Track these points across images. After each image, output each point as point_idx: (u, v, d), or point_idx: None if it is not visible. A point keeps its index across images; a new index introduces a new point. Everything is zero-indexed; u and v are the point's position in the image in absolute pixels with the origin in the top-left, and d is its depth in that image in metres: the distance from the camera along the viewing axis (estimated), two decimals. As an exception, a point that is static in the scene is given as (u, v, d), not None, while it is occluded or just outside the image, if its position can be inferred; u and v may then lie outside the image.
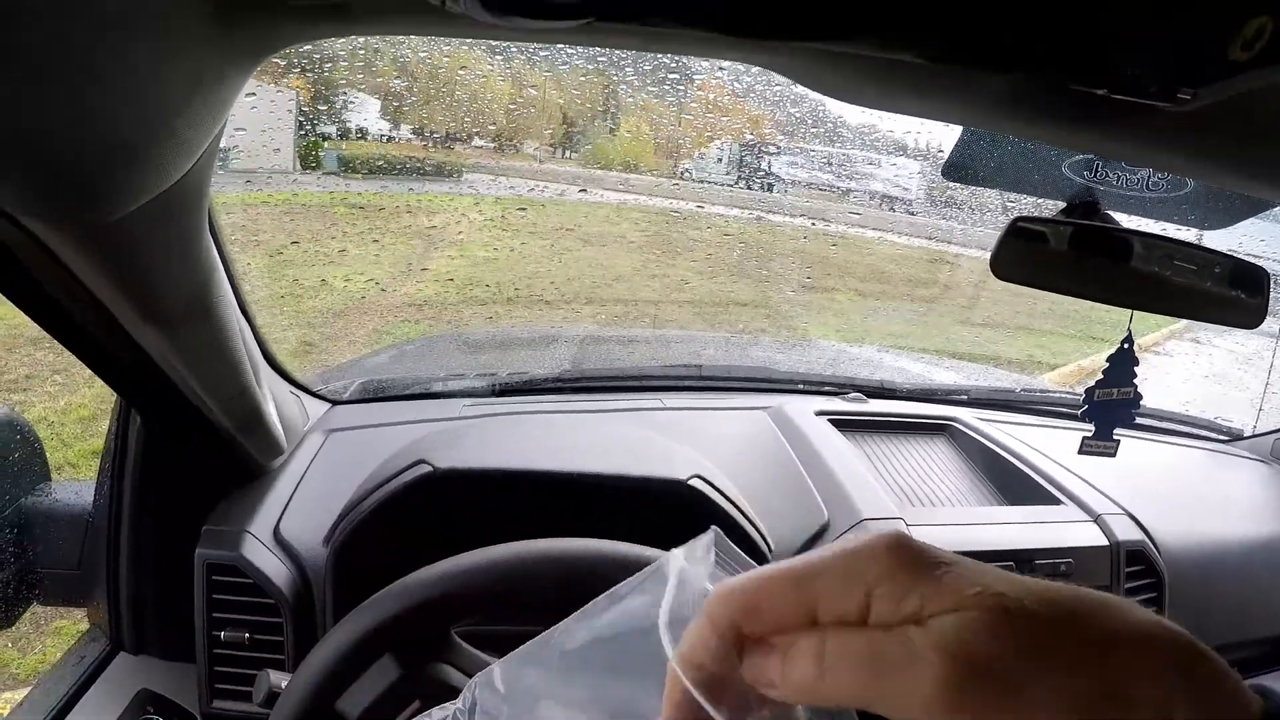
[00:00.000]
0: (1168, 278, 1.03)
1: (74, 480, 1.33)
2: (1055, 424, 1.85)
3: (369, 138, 4.70)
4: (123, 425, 1.22)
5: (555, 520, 1.04)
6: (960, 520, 1.38)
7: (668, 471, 1.22)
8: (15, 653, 2.61)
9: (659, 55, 2.60)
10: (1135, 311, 1.14)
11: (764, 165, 5.64)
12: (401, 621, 0.82)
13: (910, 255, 6.32)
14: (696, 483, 1.20)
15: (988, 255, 1.07)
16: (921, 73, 0.50)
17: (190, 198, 0.69)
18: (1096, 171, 1.02)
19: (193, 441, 1.20)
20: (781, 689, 0.32)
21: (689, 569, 0.38)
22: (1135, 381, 1.28)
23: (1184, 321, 5.42)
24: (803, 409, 1.66)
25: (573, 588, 0.88)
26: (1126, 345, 1.26)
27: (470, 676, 0.87)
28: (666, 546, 0.88)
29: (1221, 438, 2.04)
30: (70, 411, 3.68)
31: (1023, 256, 1.05)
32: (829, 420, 1.63)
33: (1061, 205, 1.04)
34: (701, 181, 5.88)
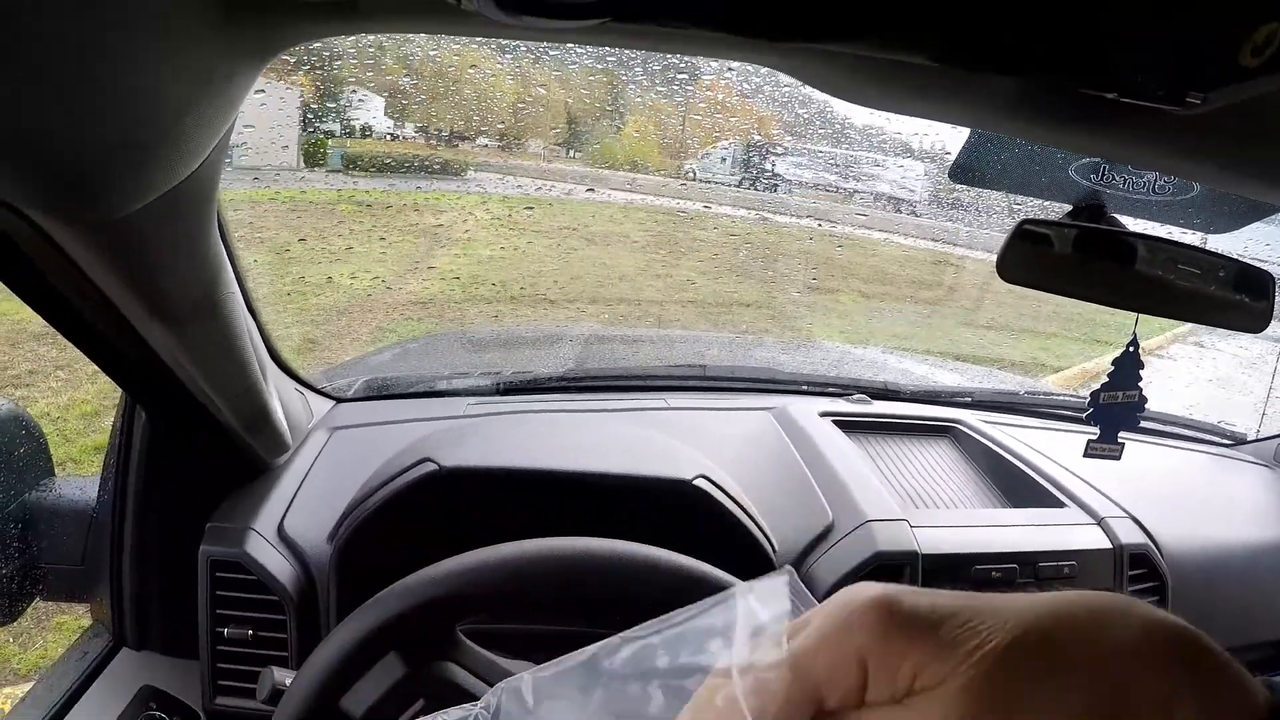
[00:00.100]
0: (1172, 281, 1.03)
1: (78, 476, 1.33)
2: (1059, 427, 1.84)
3: (377, 136, 4.70)
4: (127, 421, 1.22)
5: (560, 519, 1.04)
6: (964, 522, 1.38)
7: (672, 471, 1.22)
8: (17, 648, 2.61)
9: (667, 56, 2.60)
10: (1140, 315, 1.14)
11: (769, 166, 5.64)
12: (407, 620, 0.82)
13: (914, 257, 6.32)
14: (701, 483, 1.20)
15: (992, 257, 1.07)
16: (930, 74, 0.50)
17: (199, 195, 0.69)
18: (1103, 175, 1.02)
19: (197, 438, 1.20)
20: None
21: (759, 611, 0.37)
22: (1140, 385, 1.28)
23: (1188, 325, 5.41)
24: (807, 410, 1.66)
25: (578, 588, 0.88)
26: (1132, 349, 1.26)
27: (476, 675, 0.88)
28: (670, 546, 0.88)
29: (1225, 442, 2.04)
30: (73, 407, 3.69)
31: (1029, 259, 1.05)
32: (833, 421, 1.63)
33: (1068, 208, 1.04)
34: (707, 182, 5.88)
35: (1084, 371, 5.00)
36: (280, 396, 1.29)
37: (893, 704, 0.30)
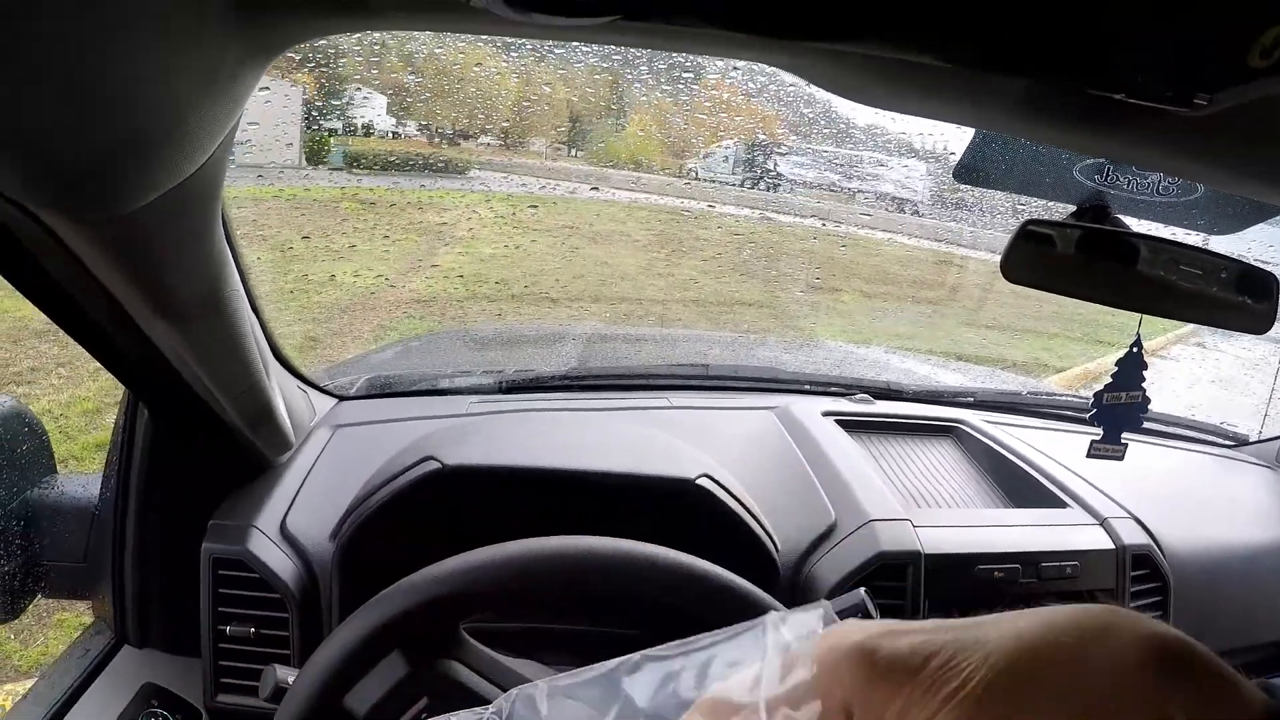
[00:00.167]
0: (1175, 282, 1.03)
1: (80, 473, 1.33)
2: (1061, 427, 1.84)
3: (380, 134, 4.71)
4: (130, 419, 1.22)
5: (563, 518, 1.04)
6: (967, 522, 1.38)
7: (676, 470, 1.22)
8: (18, 645, 2.62)
9: (673, 55, 2.60)
10: (1144, 316, 1.14)
11: (772, 166, 5.64)
12: (411, 618, 0.81)
13: (917, 257, 6.32)
14: (704, 482, 1.20)
15: (994, 257, 1.07)
16: (937, 75, 0.50)
17: (203, 192, 0.69)
18: (1107, 175, 1.02)
19: (200, 436, 1.20)
20: None
21: (792, 644, 0.36)
22: (1143, 385, 1.28)
23: (1190, 326, 5.42)
24: (809, 409, 1.66)
25: (582, 586, 0.88)
26: (1135, 349, 1.26)
27: (480, 674, 0.88)
28: (673, 545, 0.88)
29: (1227, 443, 2.03)
30: (74, 404, 3.69)
31: (1033, 259, 1.05)
32: (836, 421, 1.63)
33: (1072, 209, 1.04)
34: (710, 181, 5.88)
35: (1086, 372, 5.00)
36: (283, 394, 1.29)
37: None
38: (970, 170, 1.04)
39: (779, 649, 0.36)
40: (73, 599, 1.34)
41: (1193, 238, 1.10)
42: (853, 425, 1.64)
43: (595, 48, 2.38)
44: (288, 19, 0.58)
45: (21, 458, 1.21)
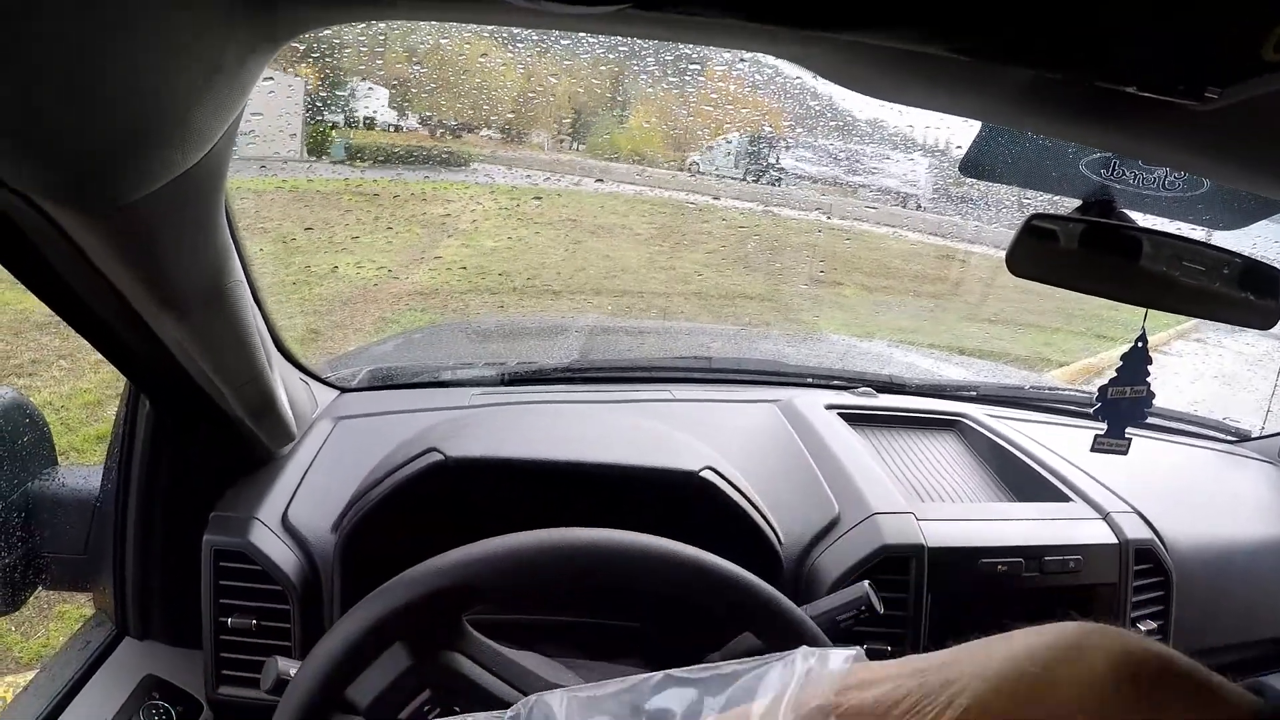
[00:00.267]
0: (1179, 278, 1.03)
1: (81, 465, 1.33)
2: (1064, 421, 1.84)
3: (384, 126, 4.70)
4: (131, 410, 1.22)
5: (566, 511, 1.04)
6: (970, 516, 1.37)
7: (679, 463, 1.22)
8: (19, 636, 2.62)
9: (678, 48, 2.59)
10: (1148, 310, 1.14)
11: (776, 159, 5.63)
12: (413, 610, 0.81)
13: (919, 251, 6.31)
14: (708, 474, 1.20)
15: (996, 252, 1.07)
16: (946, 67, 0.49)
17: (207, 182, 0.69)
18: (1113, 170, 1.02)
19: (201, 427, 1.20)
20: None
21: (816, 680, 0.36)
22: (1148, 380, 1.28)
23: (1192, 322, 5.42)
24: (812, 402, 1.65)
25: (586, 578, 0.88)
26: (1140, 344, 1.26)
27: (482, 666, 0.88)
28: (676, 537, 0.88)
29: (1229, 438, 2.03)
30: (75, 396, 3.69)
31: (1038, 254, 1.05)
32: (839, 414, 1.63)
33: (1078, 203, 1.04)
34: (711, 174, 5.87)
35: (1087, 367, 4.99)
36: (285, 386, 1.28)
37: None
38: (976, 164, 1.03)
39: (801, 686, 0.36)
40: (74, 591, 1.34)
41: (1197, 233, 1.10)
42: (856, 419, 1.64)
43: (600, 40, 2.37)
44: (293, 8, 0.58)
45: (22, 449, 1.21)
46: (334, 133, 4.39)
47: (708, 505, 1.20)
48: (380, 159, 4.59)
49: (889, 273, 6.21)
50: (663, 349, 2.68)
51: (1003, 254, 1.07)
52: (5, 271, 0.75)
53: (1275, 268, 1.04)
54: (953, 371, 2.65)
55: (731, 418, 1.61)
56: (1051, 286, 1.09)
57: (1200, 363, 5.90)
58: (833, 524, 1.31)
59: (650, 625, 1.24)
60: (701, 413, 1.61)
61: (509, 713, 0.41)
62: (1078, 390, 2.15)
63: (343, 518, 1.20)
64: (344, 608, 1.13)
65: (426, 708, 0.86)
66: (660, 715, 0.38)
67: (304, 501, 1.26)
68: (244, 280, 0.97)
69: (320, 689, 0.79)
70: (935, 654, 0.35)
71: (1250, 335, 5.39)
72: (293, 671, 0.83)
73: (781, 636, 0.89)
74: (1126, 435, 1.34)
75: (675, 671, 0.38)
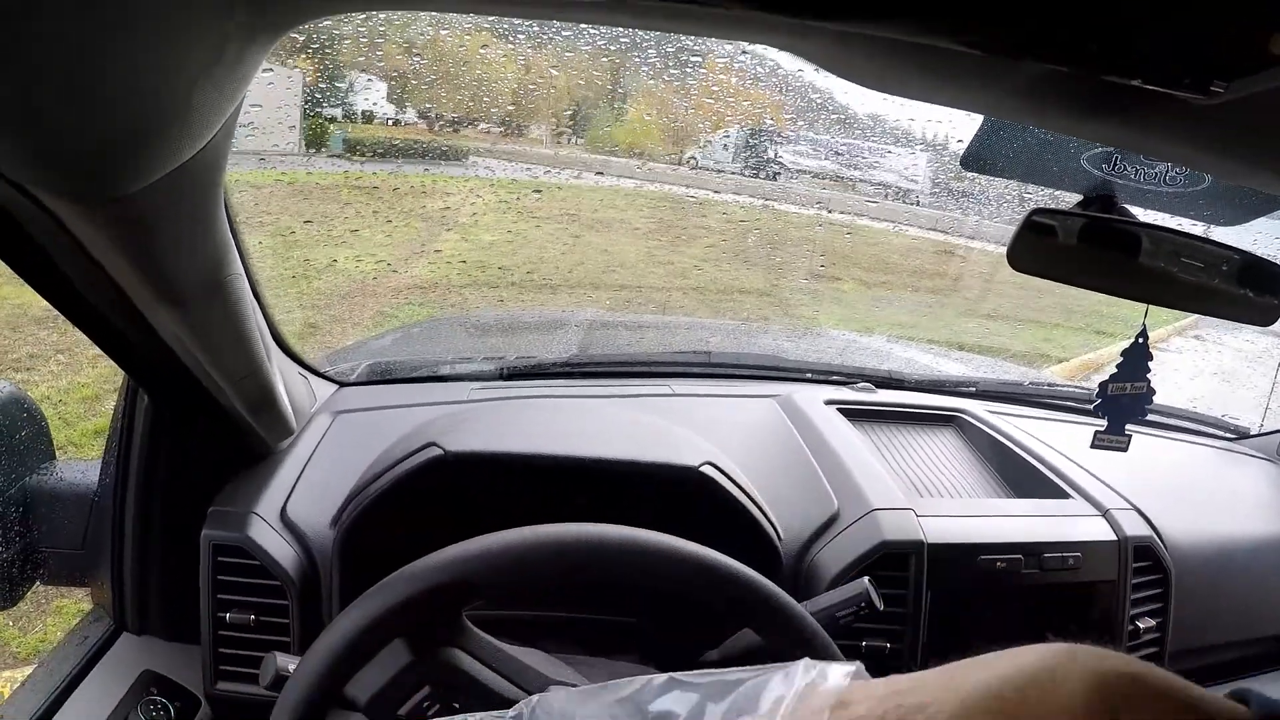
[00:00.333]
0: (1177, 274, 1.03)
1: (79, 460, 1.33)
2: (1063, 418, 1.84)
3: (384, 119, 4.70)
4: (130, 405, 1.22)
5: (566, 505, 1.04)
6: (969, 512, 1.37)
7: (679, 458, 1.22)
8: (16, 631, 2.62)
9: (675, 42, 2.59)
10: (1150, 306, 1.14)
11: (775, 154, 5.63)
12: (413, 606, 0.81)
13: (918, 246, 6.32)
14: (708, 470, 1.20)
15: (995, 248, 1.07)
16: (952, 60, 0.49)
17: (206, 175, 0.68)
18: (1114, 165, 1.02)
19: (200, 422, 1.19)
20: None
21: (817, 688, 0.36)
22: (1149, 377, 1.28)
23: (1191, 318, 5.43)
24: (812, 398, 1.65)
25: (586, 574, 0.88)
26: (1141, 340, 1.26)
27: (482, 662, 0.88)
28: (675, 532, 0.88)
29: (1228, 435, 2.04)
30: (73, 391, 3.69)
31: (1039, 249, 1.05)
32: (838, 409, 1.63)
33: (1079, 198, 1.04)
34: (710, 169, 5.87)
35: (1086, 363, 5.00)
36: (284, 380, 1.28)
37: None
38: (978, 158, 1.03)
39: (798, 696, 0.36)
40: (71, 586, 1.34)
41: (1196, 228, 1.10)
42: (855, 414, 1.64)
43: (598, 31, 2.36)
44: None
45: (21, 444, 1.21)
46: (333, 126, 4.38)
47: (707, 501, 1.20)
48: (379, 152, 4.59)
49: (888, 268, 6.21)
50: (662, 344, 2.67)
51: (1002, 250, 1.07)
52: (2, 266, 0.75)
53: (1275, 264, 1.04)
54: (952, 367, 2.65)
55: (731, 413, 1.61)
56: (1051, 282, 1.09)
57: (1199, 359, 5.91)
58: (832, 520, 1.31)
59: (650, 621, 1.24)
60: (701, 408, 1.61)
61: (511, 712, 0.41)
62: (1077, 386, 2.15)
63: (341, 513, 1.20)
64: (343, 603, 1.12)
65: (426, 704, 0.86)
66: (663, 718, 0.38)
67: (303, 496, 1.26)
68: (243, 274, 0.97)
69: (319, 685, 0.78)
70: (915, 675, 0.35)
71: (1250, 332, 5.40)
72: (291, 667, 0.82)
73: (781, 633, 0.88)
74: (1126, 432, 1.34)
75: (679, 675, 0.38)
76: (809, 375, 1.85)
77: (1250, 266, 1.03)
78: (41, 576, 1.26)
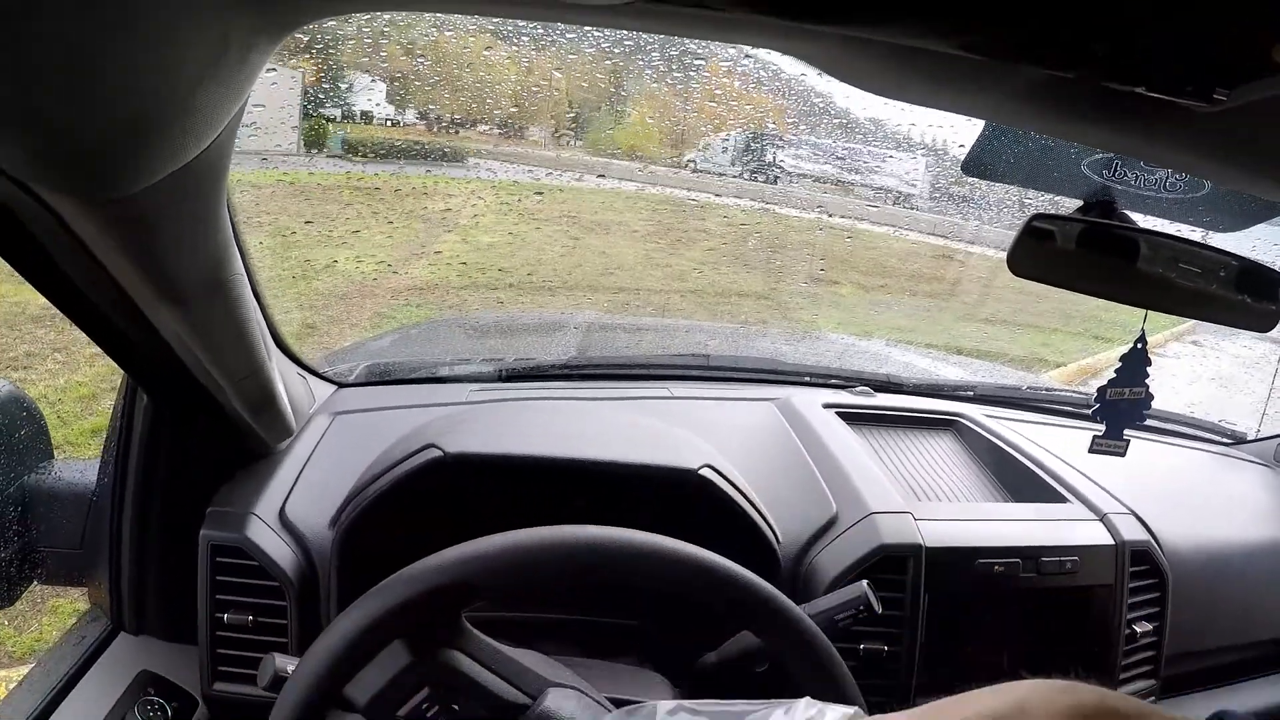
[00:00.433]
0: (1175, 279, 1.03)
1: (76, 459, 1.33)
2: (1061, 422, 1.84)
3: (386, 121, 4.70)
4: (129, 404, 1.22)
5: (565, 507, 1.04)
6: (967, 516, 1.37)
7: (678, 460, 1.22)
8: (11, 630, 2.62)
9: (677, 45, 2.59)
10: (1148, 312, 1.14)
11: (771, 157, 5.63)
12: (413, 607, 0.81)
13: (916, 251, 6.32)
14: (707, 472, 1.20)
15: (994, 252, 1.08)
16: (954, 65, 0.49)
17: (209, 174, 0.68)
18: (1114, 170, 1.02)
19: (199, 422, 1.19)
20: None
21: None
22: (1147, 382, 1.28)
23: (1189, 324, 5.44)
24: (810, 401, 1.65)
25: (585, 576, 0.88)
26: (1140, 345, 1.26)
27: (481, 664, 0.88)
28: (674, 535, 0.88)
29: (1225, 441, 2.04)
30: (70, 390, 3.69)
31: (1039, 254, 1.05)
32: (836, 413, 1.63)
33: (1079, 203, 1.04)
34: (709, 172, 5.87)
35: (1084, 368, 5.01)
36: (283, 380, 1.28)
37: None
38: (979, 163, 1.03)
39: None
40: (69, 585, 1.34)
41: (1195, 234, 1.10)
42: (853, 418, 1.64)
43: (601, 34, 2.36)
44: None
45: (19, 443, 1.21)
46: (335, 126, 4.38)
47: (706, 503, 1.20)
48: (382, 153, 4.59)
49: (887, 272, 6.22)
50: (660, 346, 2.67)
51: (1000, 255, 1.08)
52: (1, 264, 0.75)
53: (1273, 271, 1.04)
54: (950, 371, 2.65)
55: (729, 416, 1.61)
56: (1050, 287, 1.09)
57: (1197, 365, 5.91)
58: (830, 523, 1.31)
59: (649, 623, 1.24)
60: (700, 410, 1.61)
61: None
62: (1075, 391, 2.16)
63: (340, 513, 1.20)
64: (341, 604, 1.12)
65: (425, 705, 0.86)
66: None
67: (301, 497, 1.26)
68: (244, 274, 0.97)
69: (318, 686, 0.78)
70: (896, 715, 0.35)
71: (1247, 338, 5.40)
72: (290, 668, 0.82)
73: (781, 635, 0.89)
74: (1124, 436, 1.34)
75: (687, 703, 0.39)
76: (807, 378, 1.85)
77: (1248, 272, 1.03)
78: (39, 576, 1.26)
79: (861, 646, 1.19)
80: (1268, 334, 1.10)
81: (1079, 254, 1.05)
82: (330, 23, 2.02)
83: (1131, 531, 1.39)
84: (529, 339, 2.67)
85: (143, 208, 0.63)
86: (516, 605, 1.23)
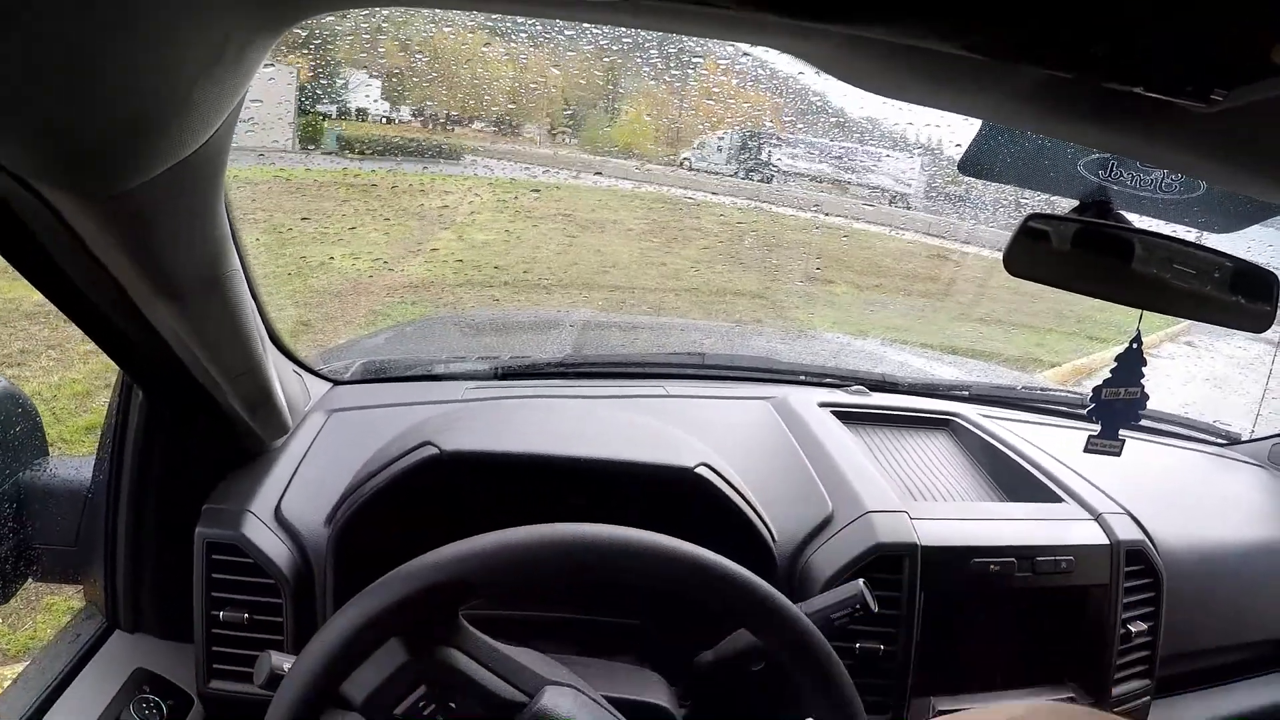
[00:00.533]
0: (1170, 280, 1.03)
1: (71, 456, 1.32)
2: (1055, 422, 1.85)
3: (383, 118, 4.69)
4: (124, 401, 1.21)
5: (561, 505, 1.04)
6: (963, 515, 1.38)
7: (674, 459, 1.22)
8: (5, 628, 2.61)
9: (673, 43, 2.59)
10: (1143, 312, 1.15)
11: (766, 156, 5.64)
12: (410, 605, 0.81)
13: (911, 250, 6.33)
14: (703, 471, 1.20)
15: (989, 252, 1.08)
16: (952, 64, 0.49)
17: (206, 170, 0.68)
18: (1111, 171, 1.02)
19: (195, 419, 1.19)
20: None
21: None
22: (1142, 382, 1.29)
23: (1183, 324, 5.46)
24: (806, 400, 1.65)
25: (583, 574, 0.88)
26: (1135, 345, 1.27)
27: (478, 662, 0.88)
28: (671, 533, 0.89)
29: (1220, 441, 2.04)
30: (64, 387, 3.68)
31: (1035, 254, 1.05)
32: (832, 412, 1.63)
33: (1076, 203, 1.04)
34: (704, 171, 5.87)
35: (1079, 368, 5.02)
36: (279, 377, 1.28)
37: None
38: (975, 163, 1.04)
39: None
40: (64, 583, 1.34)
41: (1190, 235, 1.11)
42: (849, 417, 1.64)
43: (599, 30, 2.36)
44: None
45: (14, 439, 1.20)
46: (331, 123, 4.38)
47: (702, 502, 1.20)
48: (379, 150, 4.59)
49: (882, 271, 6.23)
50: (656, 345, 2.68)
51: (995, 255, 1.08)
52: (-3, 261, 0.74)
53: (1268, 272, 1.04)
54: (945, 371, 2.66)
55: (725, 414, 1.61)
56: (1046, 287, 1.09)
57: (1192, 365, 5.93)
58: (826, 522, 1.31)
59: (646, 621, 1.24)
60: (695, 409, 1.61)
61: None
62: (1069, 391, 2.16)
63: (336, 511, 1.20)
64: (337, 602, 1.12)
65: (422, 703, 0.86)
66: None
67: (297, 494, 1.26)
68: (241, 270, 0.97)
69: (315, 684, 0.78)
70: None
71: (1241, 339, 5.42)
72: (287, 666, 0.82)
73: (777, 634, 0.89)
74: (1120, 436, 1.35)
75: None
76: (803, 378, 1.85)
77: (1243, 273, 1.04)
78: (34, 573, 1.25)
79: (857, 645, 1.19)
80: (1262, 335, 1.10)
81: (1075, 254, 1.05)
82: (328, 18, 2.02)
83: (1126, 531, 1.39)
84: (524, 337, 2.66)
85: (141, 203, 0.63)
86: (514, 603, 1.23)
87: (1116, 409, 1.32)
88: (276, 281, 3.86)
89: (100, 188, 0.59)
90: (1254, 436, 2.04)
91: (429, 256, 4.84)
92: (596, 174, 5.60)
